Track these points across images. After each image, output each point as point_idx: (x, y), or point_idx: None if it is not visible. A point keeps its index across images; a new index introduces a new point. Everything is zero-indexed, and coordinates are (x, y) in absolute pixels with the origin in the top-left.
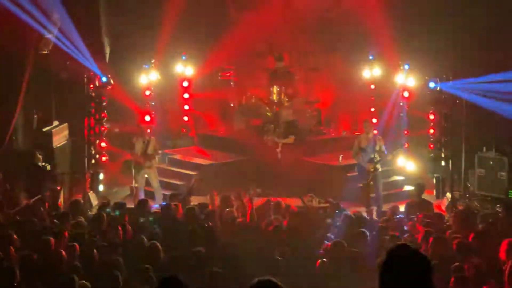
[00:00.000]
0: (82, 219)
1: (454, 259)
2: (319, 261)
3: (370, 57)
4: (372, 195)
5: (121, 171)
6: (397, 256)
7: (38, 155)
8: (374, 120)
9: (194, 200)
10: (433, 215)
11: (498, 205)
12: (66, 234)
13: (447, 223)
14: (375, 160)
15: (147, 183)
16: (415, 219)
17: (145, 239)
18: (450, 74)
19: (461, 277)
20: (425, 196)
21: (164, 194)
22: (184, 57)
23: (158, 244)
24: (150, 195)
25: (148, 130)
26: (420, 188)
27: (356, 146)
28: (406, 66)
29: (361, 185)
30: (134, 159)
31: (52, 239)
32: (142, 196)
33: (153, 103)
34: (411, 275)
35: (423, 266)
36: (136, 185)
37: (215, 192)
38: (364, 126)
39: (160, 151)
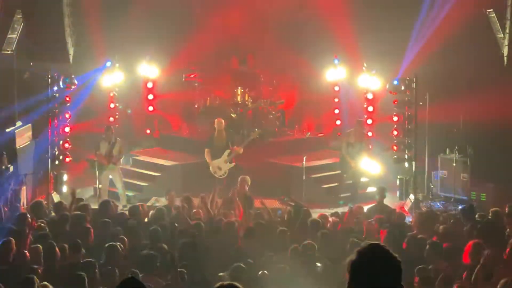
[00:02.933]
0: (44, 220)
1: (418, 261)
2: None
3: (335, 61)
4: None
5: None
6: (367, 255)
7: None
8: (338, 122)
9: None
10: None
11: (460, 207)
12: (29, 235)
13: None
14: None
15: (111, 183)
16: (373, 221)
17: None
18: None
19: (426, 278)
20: (388, 197)
21: (127, 195)
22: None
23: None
24: (114, 196)
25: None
26: (382, 192)
27: (345, 141)
28: (373, 72)
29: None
30: (98, 160)
31: (13, 240)
32: (105, 197)
33: (117, 104)
34: (381, 275)
35: (393, 266)
36: (99, 186)
37: (172, 193)
38: (356, 124)
39: (123, 154)
